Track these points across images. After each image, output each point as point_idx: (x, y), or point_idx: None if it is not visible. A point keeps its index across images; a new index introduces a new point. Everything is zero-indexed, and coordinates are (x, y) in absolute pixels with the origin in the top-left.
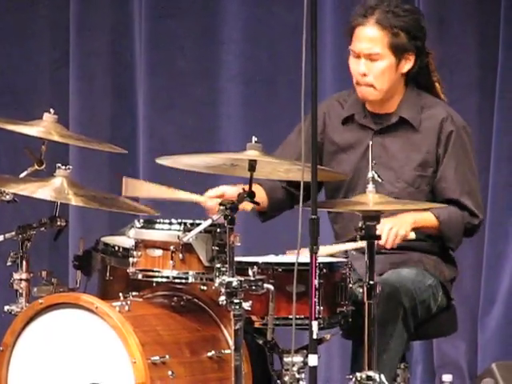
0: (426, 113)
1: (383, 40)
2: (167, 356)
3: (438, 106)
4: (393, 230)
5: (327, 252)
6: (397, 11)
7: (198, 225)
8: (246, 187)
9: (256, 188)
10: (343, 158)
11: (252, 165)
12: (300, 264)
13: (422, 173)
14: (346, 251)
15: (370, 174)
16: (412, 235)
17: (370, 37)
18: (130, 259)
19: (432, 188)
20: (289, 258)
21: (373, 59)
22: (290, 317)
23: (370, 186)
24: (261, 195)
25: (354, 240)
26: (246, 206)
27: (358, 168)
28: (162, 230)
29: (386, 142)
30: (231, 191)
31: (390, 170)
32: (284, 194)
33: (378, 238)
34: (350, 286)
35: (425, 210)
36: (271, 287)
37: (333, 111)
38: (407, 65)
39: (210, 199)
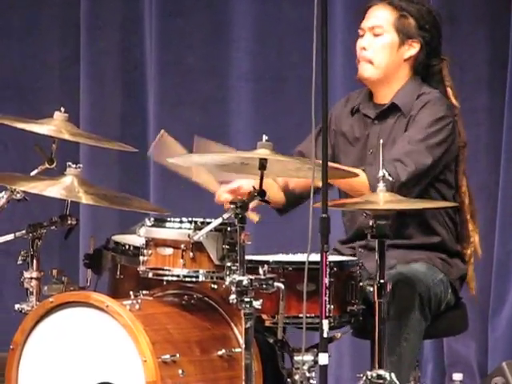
0: (419, 99)
1: (390, 17)
2: (178, 355)
3: (433, 92)
4: None
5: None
6: None
7: (209, 223)
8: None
9: (270, 183)
10: (350, 149)
11: (263, 163)
12: (310, 263)
13: None
14: (354, 248)
15: (380, 173)
16: None
17: (378, 14)
18: (141, 258)
19: None
20: (299, 256)
21: (376, 34)
22: (301, 315)
23: (381, 185)
24: (275, 190)
25: (363, 236)
26: (252, 216)
27: (360, 158)
28: (173, 228)
29: (381, 132)
30: (248, 185)
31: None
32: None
33: (389, 236)
34: (361, 284)
35: (434, 207)
36: (282, 286)
37: (344, 108)
38: (410, 51)
39: (223, 193)
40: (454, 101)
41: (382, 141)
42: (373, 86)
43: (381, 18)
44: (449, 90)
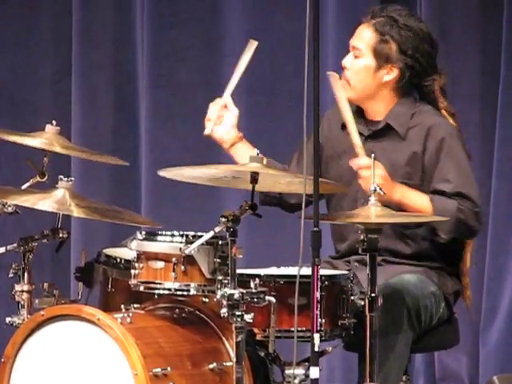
0: (414, 120)
1: (370, 41)
2: (169, 368)
3: (428, 113)
4: (376, 179)
5: None
6: (398, 22)
7: (200, 237)
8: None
9: None
10: (339, 163)
11: (254, 177)
12: (302, 276)
13: (406, 180)
14: (349, 262)
15: (372, 187)
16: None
17: (361, 34)
18: (132, 271)
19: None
20: (291, 270)
21: (356, 56)
22: (292, 329)
23: (372, 199)
24: None
25: (355, 250)
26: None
27: (351, 174)
28: (164, 241)
29: (374, 149)
30: None
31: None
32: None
33: (378, 250)
34: (352, 298)
35: (424, 221)
36: (273, 299)
37: (335, 117)
38: (388, 76)
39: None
40: (451, 121)
41: (373, 155)
42: (357, 104)
43: (362, 39)
44: (443, 112)
